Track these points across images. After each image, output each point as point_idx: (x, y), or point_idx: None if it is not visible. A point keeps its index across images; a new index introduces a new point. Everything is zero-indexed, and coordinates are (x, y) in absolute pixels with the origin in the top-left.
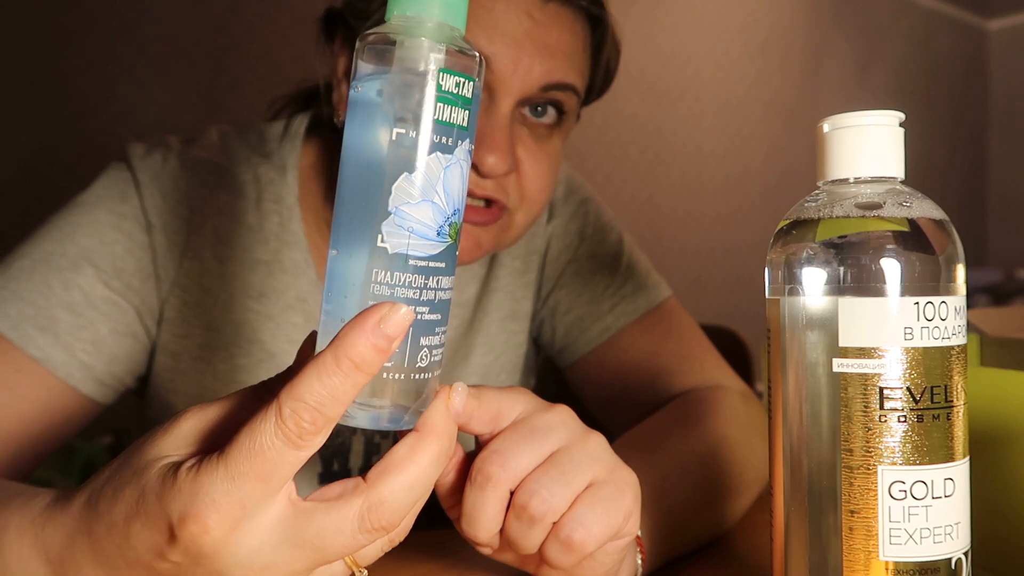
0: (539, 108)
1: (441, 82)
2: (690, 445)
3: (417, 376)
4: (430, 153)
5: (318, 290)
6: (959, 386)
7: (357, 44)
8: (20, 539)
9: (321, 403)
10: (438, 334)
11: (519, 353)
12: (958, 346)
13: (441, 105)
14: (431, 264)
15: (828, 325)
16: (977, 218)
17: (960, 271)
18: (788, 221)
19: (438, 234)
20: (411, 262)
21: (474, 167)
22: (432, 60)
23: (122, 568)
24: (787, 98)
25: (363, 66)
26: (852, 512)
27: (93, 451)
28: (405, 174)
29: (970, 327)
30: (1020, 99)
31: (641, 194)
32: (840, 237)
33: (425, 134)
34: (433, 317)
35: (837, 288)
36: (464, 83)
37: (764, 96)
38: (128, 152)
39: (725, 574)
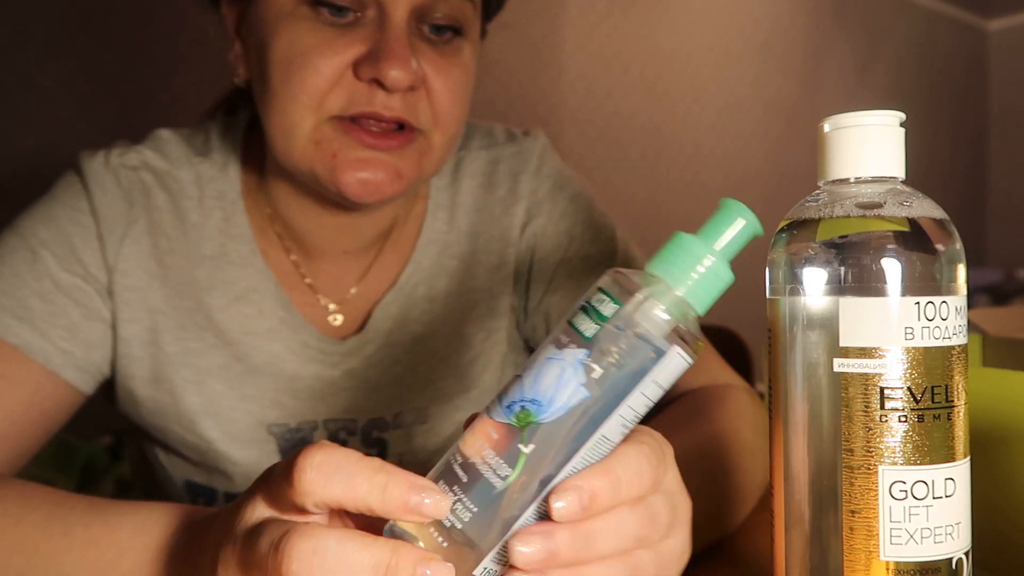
0: (438, 28)
1: (594, 298)
2: (702, 447)
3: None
4: (547, 343)
5: (268, 280)
6: (960, 386)
7: (613, 278)
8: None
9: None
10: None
11: (499, 351)
12: (959, 346)
13: (580, 312)
14: (489, 425)
15: (829, 325)
16: (977, 218)
17: (961, 271)
18: (789, 221)
19: (508, 407)
20: (484, 412)
21: (379, 84)
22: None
23: None
24: (787, 98)
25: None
26: (853, 512)
27: (93, 451)
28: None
29: (972, 327)
30: (1020, 99)
31: (641, 194)
32: (841, 237)
33: (555, 329)
34: (462, 477)
35: (838, 288)
36: (608, 303)
37: (764, 96)
38: (79, 159)
39: (725, 574)
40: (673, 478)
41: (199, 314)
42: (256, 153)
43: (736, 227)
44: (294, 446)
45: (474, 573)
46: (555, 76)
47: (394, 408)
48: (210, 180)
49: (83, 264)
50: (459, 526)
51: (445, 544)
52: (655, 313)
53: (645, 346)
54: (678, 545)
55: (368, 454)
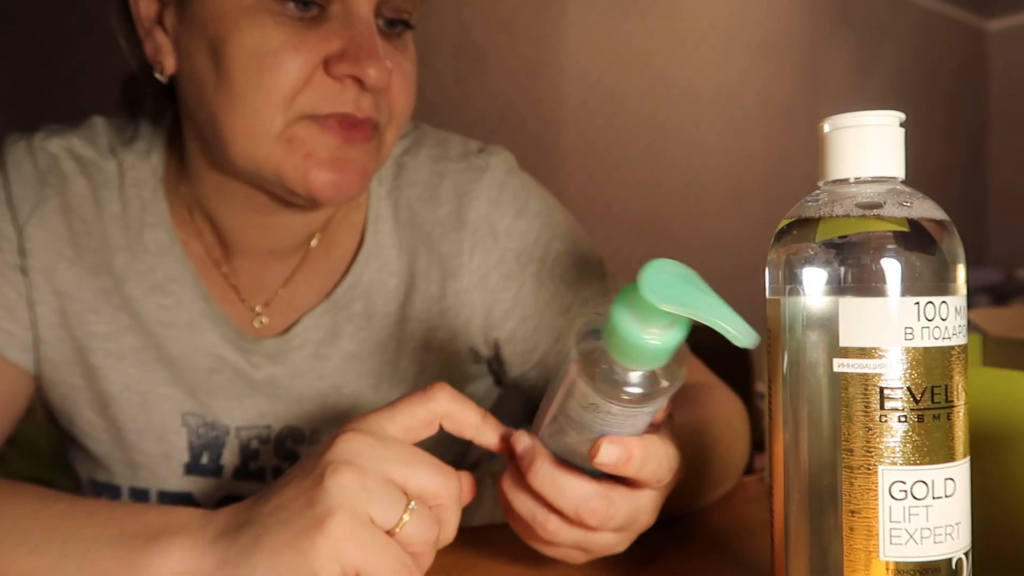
0: (391, 22)
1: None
2: (694, 425)
3: None
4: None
5: (187, 270)
6: (959, 386)
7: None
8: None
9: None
10: None
11: None
12: (959, 346)
13: None
14: None
15: (829, 325)
16: (977, 218)
17: (961, 271)
18: (789, 221)
19: None
20: None
21: (357, 82)
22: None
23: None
24: (787, 98)
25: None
26: (853, 512)
27: None
28: None
29: (973, 327)
30: (1020, 99)
31: (642, 194)
32: (841, 237)
33: None
34: None
35: (838, 288)
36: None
37: (764, 96)
38: (3, 141)
39: (726, 574)
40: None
41: (115, 295)
42: (180, 144)
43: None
44: (205, 444)
45: None
46: (555, 76)
47: (313, 424)
48: (130, 168)
49: (9, 241)
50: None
51: None
52: (572, 352)
53: (563, 370)
54: (619, 544)
55: (278, 467)
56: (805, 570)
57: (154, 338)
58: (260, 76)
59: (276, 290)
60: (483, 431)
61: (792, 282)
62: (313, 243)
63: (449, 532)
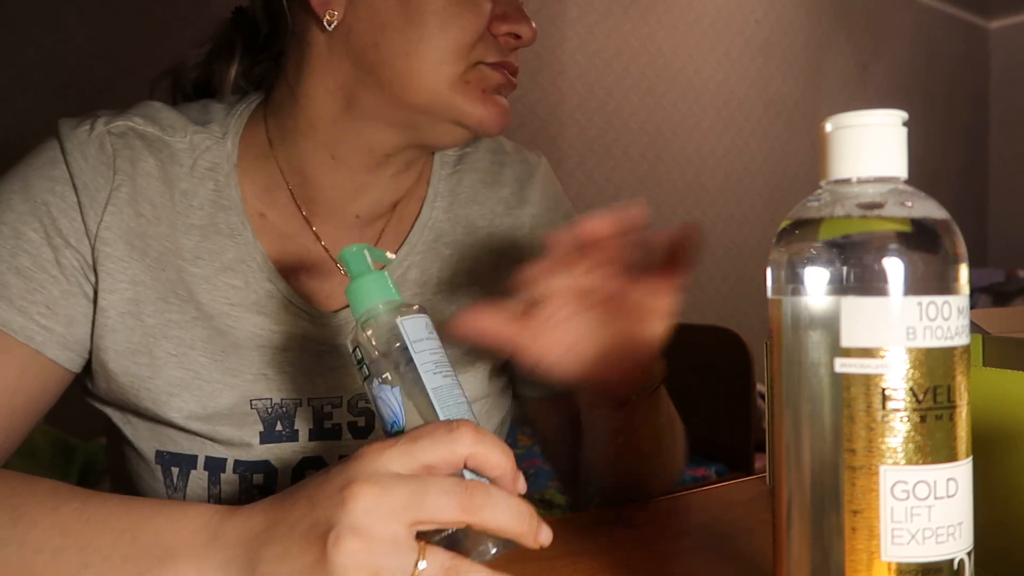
0: None
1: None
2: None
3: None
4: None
5: (257, 251)
6: (962, 386)
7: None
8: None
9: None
10: None
11: (487, 355)
12: (961, 346)
13: (358, 370)
14: None
15: (830, 325)
16: (978, 218)
17: (963, 271)
18: (790, 221)
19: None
20: None
21: (515, 38)
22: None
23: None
24: (787, 98)
25: None
26: (854, 512)
27: (93, 451)
28: None
29: (973, 327)
30: (1020, 98)
31: (641, 194)
32: (843, 237)
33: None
34: None
35: (839, 288)
36: (355, 354)
37: (764, 96)
38: (58, 125)
39: (726, 574)
40: None
41: (181, 286)
42: (258, 133)
43: (353, 263)
44: (275, 420)
45: None
46: (555, 76)
47: None
48: (205, 150)
49: (62, 236)
50: None
51: None
52: (368, 329)
53: (390, 337)
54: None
55: (353, 422)
56: (806, 570)
57: (221, 323)
58: (448, 27)
59: None
60: (506, 476)
61: (794, 282)
62: (403, 193)
63: (499, 517)
